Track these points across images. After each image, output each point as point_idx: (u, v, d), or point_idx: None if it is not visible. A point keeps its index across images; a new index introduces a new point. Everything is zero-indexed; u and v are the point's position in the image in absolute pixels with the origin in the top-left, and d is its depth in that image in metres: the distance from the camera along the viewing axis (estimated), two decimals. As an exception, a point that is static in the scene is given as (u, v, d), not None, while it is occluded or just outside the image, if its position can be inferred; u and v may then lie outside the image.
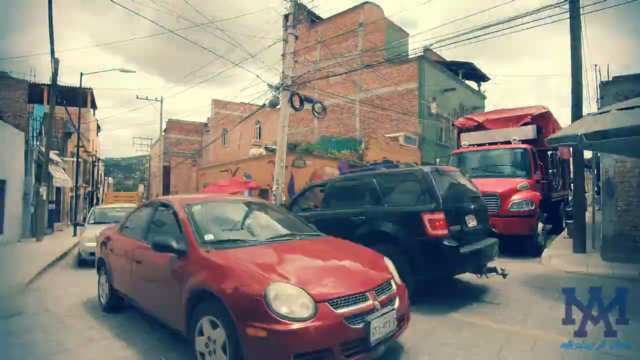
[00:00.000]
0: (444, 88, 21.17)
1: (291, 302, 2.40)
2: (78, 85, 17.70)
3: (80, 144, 18.17)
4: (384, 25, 21.50)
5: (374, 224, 4.94)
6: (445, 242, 4.29)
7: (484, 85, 27.28)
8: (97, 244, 5.19)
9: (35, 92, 20.92)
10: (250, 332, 2.34)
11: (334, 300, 2.49)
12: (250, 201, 5.23)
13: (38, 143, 15.07)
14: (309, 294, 2.45)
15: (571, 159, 10.16)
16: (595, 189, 10.63)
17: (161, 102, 31.58)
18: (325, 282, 2.69)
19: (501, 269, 4.89)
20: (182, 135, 35.62)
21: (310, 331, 2.30)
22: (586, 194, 10.73)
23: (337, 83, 21.61)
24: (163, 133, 34.33)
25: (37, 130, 15.51)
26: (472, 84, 26.32)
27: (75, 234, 14.88)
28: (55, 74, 13.31)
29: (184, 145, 33.71)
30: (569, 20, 7.97)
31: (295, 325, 2.29)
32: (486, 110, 25.22)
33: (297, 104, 11.07)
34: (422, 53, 17.96)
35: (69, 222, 20.97)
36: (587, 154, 10.02)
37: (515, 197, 7.63)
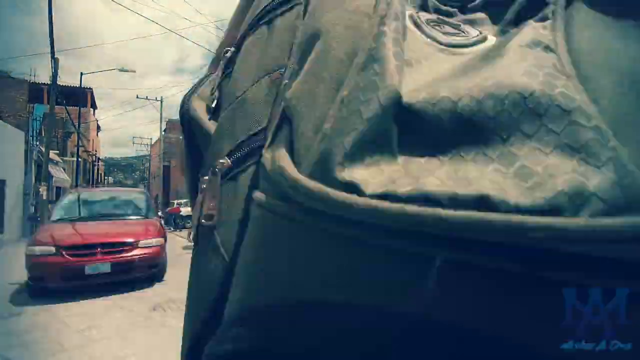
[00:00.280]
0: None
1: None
2: (78, 85, 17.70)
3: (80, 144, 18.16)
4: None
5: None
6: None
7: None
8: None
9: (35, 92, 20.94)
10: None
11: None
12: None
13: (38, 143, 15.07)
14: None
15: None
16: None
17: (161, 102, 31.65)
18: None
19: None
20: (182, 135, 35.59)
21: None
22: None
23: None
24: (163, 133, 34.35)
25: (37, 130, 15.51)
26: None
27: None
28: (55, 74, 13.30)
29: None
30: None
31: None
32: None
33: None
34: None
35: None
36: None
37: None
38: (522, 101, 0.15)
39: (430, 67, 0.20)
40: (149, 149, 40.12)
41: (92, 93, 27.71)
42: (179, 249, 12.12)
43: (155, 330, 3.92)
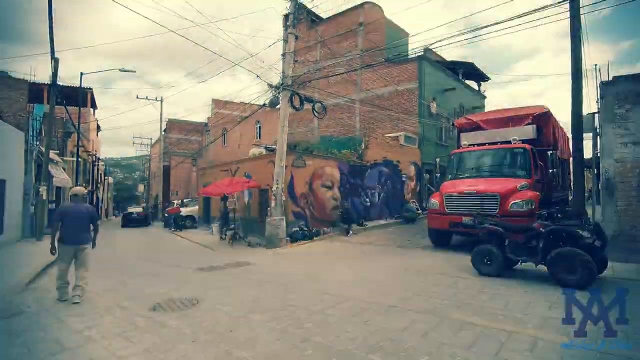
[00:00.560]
0: (444, 88, 21.14)
1: None
2: (78, 85, 17.70)
3: (80, 144, 18.16)
4: (384, 25, 21.49)
5: None
6: None
7: (484, 85, 27.29)
8: None
9: (35, 92, 20.92)
10: None
11: None
12: None
13: (38, 143, 15.06)
14: None
15: (571, 159, 10.16)
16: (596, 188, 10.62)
17: (161, 102, 31.63)
18: None
19: None
20: (182, 135, 35.62)
21: None
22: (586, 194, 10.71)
23: (337, 83, 21.60)
24: (163, 133, 34.34)
25: (37, 130, 15.49)
26: (472, 84, 26.31)
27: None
28: (55, 74, 13.30)
29: (184, 145, 33.72)
30: (569, 19, 7.97)
31: None
32: (486, 110, 25.23)
33: (297, 103, 11.07)
34: (422, 53, 17.97)
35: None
36: (587, 154, 10.01)
37: (515, 197, 7.63)
38: None
39: None
40: (149, 149, 40.13)
41: (92, 93, 27.70)
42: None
43: (155, 330, 3.93)
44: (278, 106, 11.34)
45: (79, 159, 18.01)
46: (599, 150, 8.42)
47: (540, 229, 5.66)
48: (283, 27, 13.00)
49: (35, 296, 5.56)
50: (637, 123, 7.31)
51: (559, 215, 6.33)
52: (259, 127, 27.29)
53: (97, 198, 31.55)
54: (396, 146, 17.85)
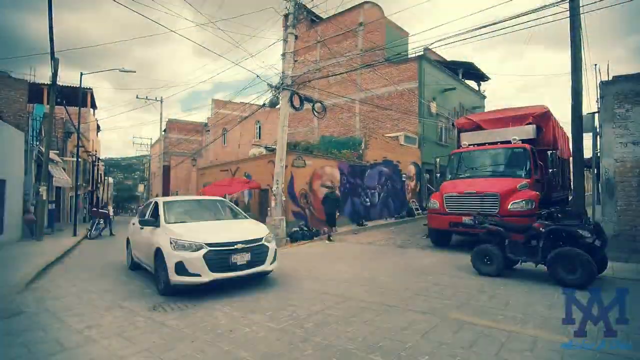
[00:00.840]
0: (443, 88, 21.15)
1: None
2: (78, 85, 17.69)
3: (80, 144, 18.15)
4: (384, 24, 21.49)
5: None
6: None
7: (484, 85, 27.29)
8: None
9: (35, 92, 20.91)
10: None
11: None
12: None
13: (38, 143, 15.06)
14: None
15: (571, 159, 10.16)
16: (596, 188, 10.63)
17: (161, 102, 31.64)
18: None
19: None
20: (182, 135, 35.61)
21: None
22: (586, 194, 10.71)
23: (337, 83, 21.60)
24: (163, 133, 34.34)
25: (37, 130, 15.49)
26: (472, 84, 26.31)
27: (75, 234, 14.88)
28: (55, 74, 13.30)
29: (184, 145, 33.71)
30: (569, 19, 7.97)
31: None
32: (486, 109, 25.22)
33: (297, 103, 11.07)
34: (422, 53, 17.97)
35: (69, 222, 20.99)
36: (587, 154, 10.01)
37: (515, 197, 7.63)
38: None
39: None
40: (149, 149, 40.13)
41: (91, 93, 27.70)
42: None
43: (155, 330, 3.93)
44: (278, 106, 11.34)
45: (79, 159, 18.00)
46: (599, 150, 8.41)
47: (540, 228, 5.66)
48: (283, 27, 13.01)
49: (35, 296, 5.56)
50: (637, 123, 7.30)
51: (558, 215, 6.33)
52: (259, 127, 27.31)
53: (97, 198, 31.54)
54: (396, 146, 17.86)
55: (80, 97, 18.32)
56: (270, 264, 5.79)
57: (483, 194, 7.93)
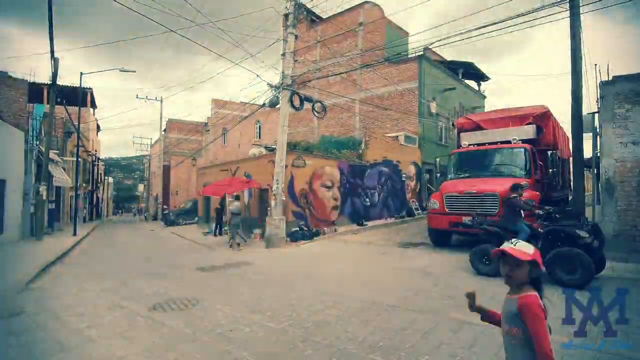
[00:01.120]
0: (444, 87, 21.14)
1: None
2: (78, 85, 17.69)
3: (80, 144, 18.15)
4: (384, 24, 21.48)
5: None
6: None
7: (484, 85, 27.29)
8: None
9: (35, 92, 20.90)
10: None
11: None
12: None
13: (38, 143, 15.05)
14: None
15: (571, 159, 10.16)
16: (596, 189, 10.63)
17: (161, 102, 31.63)
18: None
19: None
20: (182, 135, 35.61)
21: None
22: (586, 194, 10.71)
23: (337, 82, 21.59)
24: (163, 133, 34.33)
25: (37, 130, 15.48)
26: (472, 84, 26.30)
27: (75, 233, 14.88)
28: (55, 74, 13.30)
29: (184, 145, 33.71)
30: (568, 19, 7.96)
31: None
32: (486, 109, 25.21)
33: (297, 103, 11.07)
34: (422, 52, 17.96)
35: (69, 221, 20.99)
36: (587, 154, 10.01)
37: (515, 197, 7.62)
38: None
39: None
40: (149, 149, 40.11)
41: (91, 93, 27.69)
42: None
43: (155, 330, 3.93)
44: (278, 106, 11.34)
45: (79, 159, 17.99)
46: (599, 150, 8.41)
47: (539, 229, 5.65)
48: (283, 27, 13.00)
49: (35, 296, 5.56)
50: (637, 123, 7.30)
51: (557, 215, 6.34)
52: (259, 127, 27.29)
53: (97, 198, 31.53)
54: (396, 146, 17.85)
55: (80, 97, 18.32)
56: None
57: (483, 194, 7.93)
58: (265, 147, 15.64)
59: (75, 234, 14.95)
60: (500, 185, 7.92)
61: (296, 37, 11.18)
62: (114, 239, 15.91)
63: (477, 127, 10.44)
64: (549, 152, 8.85)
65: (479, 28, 8.80)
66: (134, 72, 19.85)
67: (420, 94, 19.21)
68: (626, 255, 6.82)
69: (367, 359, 3.11)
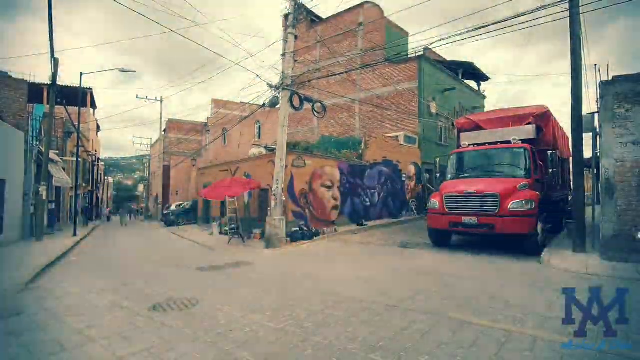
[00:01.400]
0: (443, 88, 21.16)
1: None
2: (78, 85, 17.69)
3: (80, 144, 18.15)
4: (384, 24, 21.49)
5: None
6: None
7: (483, 85, 27.29)
8: None
9: (35, 92, 20.91)
10: None
11: None
12: None
13: (38, 143, 15.06)
14: None
15: (571, 159, 10.17)
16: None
17: (161, 102, 31.63)
18: None
19: None
20: (182, 135, 35.62)
21: None
22: (586, 194, 10.71)
23: (337, 83, 21.59)
24: (163, 133, 34.34)
25: (37, 130, 15.49)
26: (472, 84, 26.31)
27: (75, 234, 14.88)
28: (55, 74, 13.30)
29: (184, 145, 33.72)
30: (568, 19, 7.96)
31: None
32: (486, 109, 25.21)
33: (297, 103, 11.07)
34: (422, 53, 17.95)
35: (69, 222, 20.99)
36: (587, 154, 10.00)
37: (515, 197, 7.63)
38: None
39: None
40: (149, 149, 40.11)
41: (91, 93, 27.70)
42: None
43: (155, 330, 3.92)
44: (278, 106, 11.34)
45: (79, 159, 18.00)
46: (599, 150, 8.41)
47: None
48: (283, 27, 13.01)
49: (35, 296, 5.56)
50: (637, 123, 7.30)
51: None
52: (259, 127, 27.29)
53: (97, 198, 31.53)
54: (396, 146, 17.85)
55: (80, 97, 18.33)
56: None
57: (483, 194, 7.93)
58: (265, 147, 15.64)
59: (75, 234, 14.96)
60: (500, 186, 7.92)
61: (296, 37, 11.18)
62: (114, 239, 15.91)
63: (477, 127, 10.44)
64: (549, 152, 8.86)
65: (479, 28, 8.80)
66: (134, 72, 19.85)
67: (420, 94, 19.21)
68: (626, 255, 6.81)
69: (367, 359, 3.11)
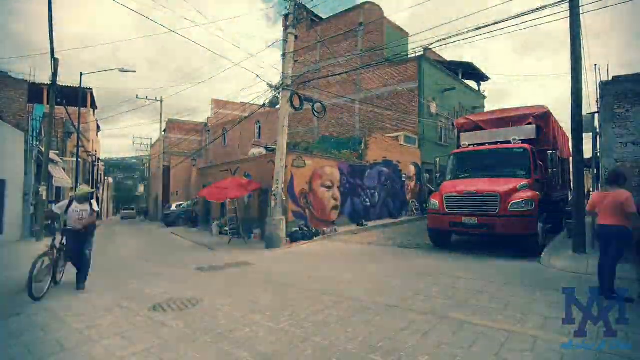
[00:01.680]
0: (443, 88, 21.16)
1: None
2: (78, 85, 17.70)
3: (80, 144, 18.17)
4: (384, 25, 21.50)
5: None
6: None
7: (483, 85, 27.30)
8: None
9: (35, 92, 20.91)
10: None
11: None
12: None
13: (38, 143, 15.07)
14: None
15: (571, 159, 10.17)
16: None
17: (161, 102, 31.63)
18: None
19: None
20: (182, 135, 35.63)
21: None
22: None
23: (337, 83, 21.60)
24: (163, 133, 34.34)
25: (37, 130, 15.50)
26: (472, 84, 26.32)
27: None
28: (55, 74, 13.30)
29: (184, 145, 33.73)
30: (568, 19, 7.96)
31: None
32: (486, 109, 25.22)
33: (297, 103, 11.07)
34: (422, 53, 17.97)
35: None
36: (587, 154, 10.01)
37: (515, 197, 7.63)
38: None
39: None
40: (149, 149, 40.13)
41: (91, 93, 27.70)
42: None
43: (155, 330, 3.92)
44: (278, 106, 11.34)
45: (79, 159, 18.02)
46: (599, 150, 8.42)
47: None
48: (283, 27, 13.02)
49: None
50: (637, 123, 7.31)
51: None
52: (259, 127, 27.30)
53: (97, 198, 31.54)
54: (396, 146, 17.85)
55: (80, 97, 18.34)
56: None
57: (483, 194, 7.92)
58: (265, 147, 15.64)
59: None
60: (500, 186, 7.92)
61: (296, 37, 11.19)
62: (114, 239, 15.91)
63: (477, 127, 10.44)
64: (549, 152, 8.86)
65: (479, 28, 8.81)
66: (134, 72, 19.87)
67: (420, 94, 19.22)
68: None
69: (367, 359, 3.11)
